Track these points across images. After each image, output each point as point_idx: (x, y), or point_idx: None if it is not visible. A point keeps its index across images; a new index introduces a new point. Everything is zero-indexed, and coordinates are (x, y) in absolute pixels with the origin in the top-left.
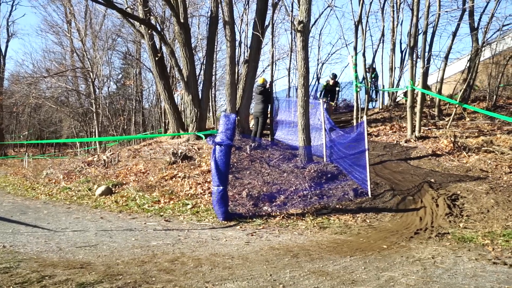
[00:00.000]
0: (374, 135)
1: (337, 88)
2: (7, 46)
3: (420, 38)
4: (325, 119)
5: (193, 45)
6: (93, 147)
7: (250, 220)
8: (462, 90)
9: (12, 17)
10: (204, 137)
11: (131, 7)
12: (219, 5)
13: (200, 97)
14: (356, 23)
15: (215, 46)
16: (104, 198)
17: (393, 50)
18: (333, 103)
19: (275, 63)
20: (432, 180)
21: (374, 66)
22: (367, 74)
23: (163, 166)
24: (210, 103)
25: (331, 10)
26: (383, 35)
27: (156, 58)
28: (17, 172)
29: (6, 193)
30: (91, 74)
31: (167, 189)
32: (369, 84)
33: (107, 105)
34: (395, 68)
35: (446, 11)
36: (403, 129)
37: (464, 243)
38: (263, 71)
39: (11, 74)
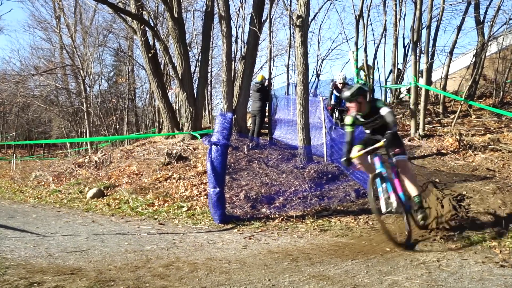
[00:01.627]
0: None
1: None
2: None
3: (424, 32)
4: (326, 118)
5: (187, 41)
6: (84, 148)
7: (248, 222)
8: (468, 86)
9: None
10: (199, 137)
11: (122, 1)
12: None
13: (195, 95)
14: (357, 17)
15: (211, 42)
16: (96, 201)
17: (396, 45)
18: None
19: (273, 60)
20: (437, 180)
21: (345, 80)
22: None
23: (157, 167)
24: (206, 101)
25: (331, 4)
26: (385, 29)
27: (149, 55)
28: (4, 175)
29: None
30: (81, 71)
31: (161, 191)
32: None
33: (98, 104)
34: (397, 64)
35: (451, 4)
36: (406, 127)
37: (470, 245)
38: (261, 67)
39: None
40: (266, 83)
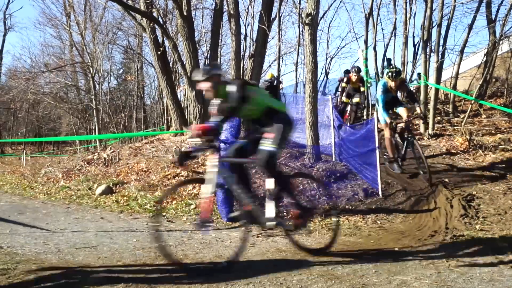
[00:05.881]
0: None
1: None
2: (4, 40)
3: (434, 31)
4: (334, 116)
5: (196, 39)
6: (93, 145)
7: None
8: (479, 85)
9: (9, 10)
10: None
11: None
12: None
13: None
14: (367, 15)
15: (220, 40)
16: (105, 197)
17: (406, 44)
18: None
19: (282, 58)
20: (446, 179)
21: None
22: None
23: (166, 165)
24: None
25: (340, 2)
26: (395, 28)
27: (158, 53)
28: (14, 171)
29: (3, 192)
30: (91, 69)
31: (169, 189)
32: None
33: (107, 101)
34: (407, 62)
35: (462, 3)
36: (415, 127)
37: (480, 245)
38: (270, 66)
39: (8, 69)
40: (276, 81)
